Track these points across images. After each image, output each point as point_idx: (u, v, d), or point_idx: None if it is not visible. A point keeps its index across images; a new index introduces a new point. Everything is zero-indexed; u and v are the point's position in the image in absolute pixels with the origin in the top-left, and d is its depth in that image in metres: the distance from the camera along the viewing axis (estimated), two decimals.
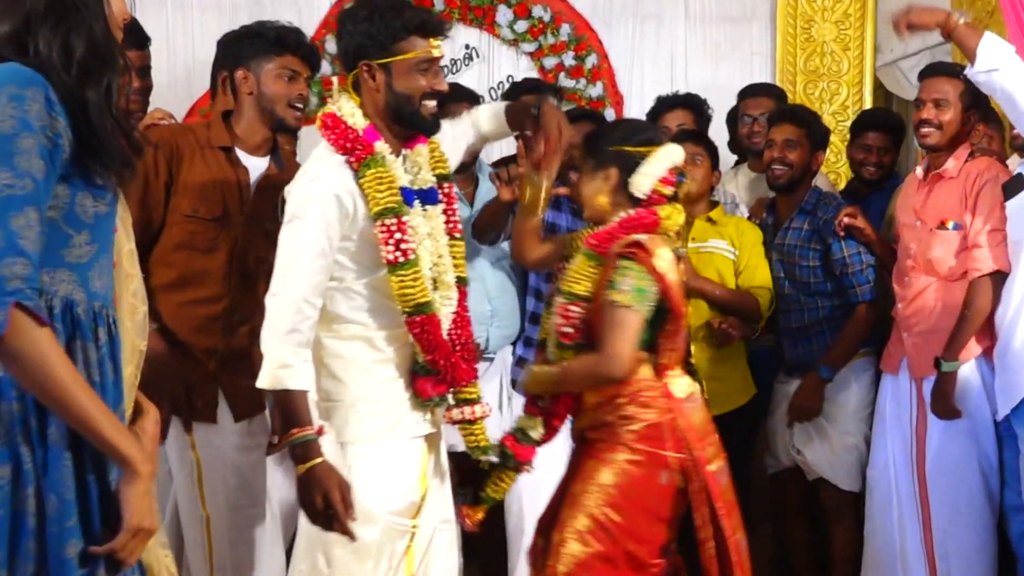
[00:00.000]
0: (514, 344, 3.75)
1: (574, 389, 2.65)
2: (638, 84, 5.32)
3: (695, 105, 4.15)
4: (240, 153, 2.99)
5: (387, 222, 2.42)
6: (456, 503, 2.74)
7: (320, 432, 2.38)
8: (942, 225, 3.30)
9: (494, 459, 2.66)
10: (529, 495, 3.33)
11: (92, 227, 1.70)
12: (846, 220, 3.52)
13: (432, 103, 2.51)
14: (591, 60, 5.26)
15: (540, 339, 2.85)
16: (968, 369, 3.27)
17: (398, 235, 2.42)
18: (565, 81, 5.23)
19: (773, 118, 3.78)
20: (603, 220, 2.67)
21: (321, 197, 2.41)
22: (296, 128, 3.09)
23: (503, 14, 5.22)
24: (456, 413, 2.61)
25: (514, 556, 3.61)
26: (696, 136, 3.75)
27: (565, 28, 5.24)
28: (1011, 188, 3.16)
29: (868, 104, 5.19)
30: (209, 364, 2.90)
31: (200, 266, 2.89)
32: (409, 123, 2.52)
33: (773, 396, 3.78)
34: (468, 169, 3.67)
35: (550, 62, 5.25)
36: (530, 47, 5.25)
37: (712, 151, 3.73)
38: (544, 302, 3.34)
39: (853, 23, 5.25)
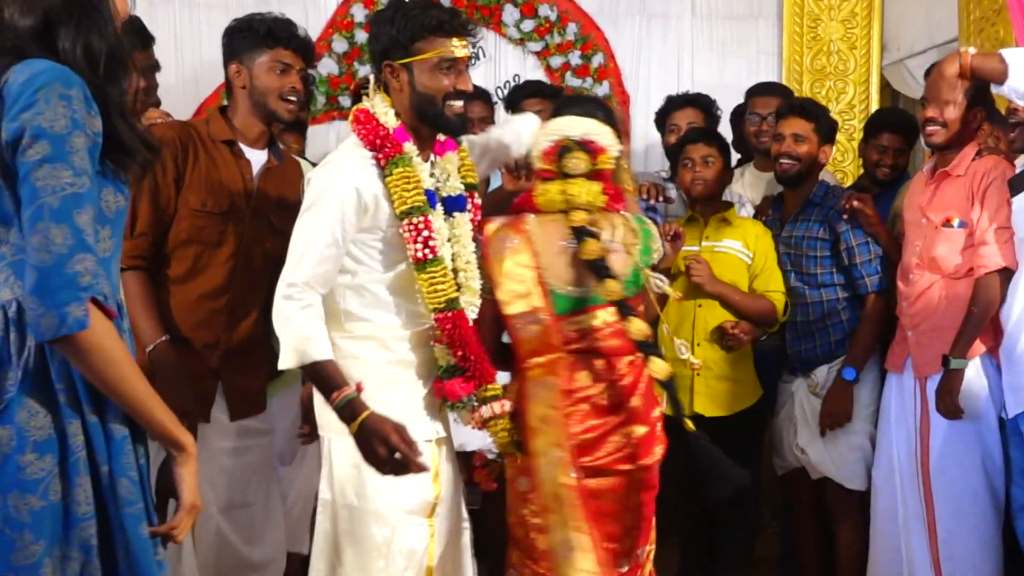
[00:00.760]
0: None
1: None
2: (644, 83, 5.33)
3: (704, 104, 4.15)
4: (241, 147, 3.00)
5: (414, 220, 2.45)
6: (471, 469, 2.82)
7: (359, 389, 2.40)
8: (947, 223, 3.30)
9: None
10: None
11: (113, 222, 1.75)
12: (855, 203, 3.51)
13: (458, 103, 2.53)
14: (597, 59, 5.26)
15: None
16: (973, 368, 3.26)
17: (425, 233, 2.45)
18: (571, 80, 5.24)
19: (781, 112, 3.77)
20: None
21: (342, 187, 2.43)
22: (288, 121, 3.07)
23: (509, 13, 5.22)
24: (486, 411, 2.60)
25: None
26: (709, 135, 3.74)
27: (571, 27, 5.24)
28: (1016, 185, 3.16)
29: (875, 103, 5.19)
30: (210, 359, 2.89)
31: (208, 260, 2.89)
32: (433, 123, 2.54)
33: (778, 396, 3.78)
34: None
35: (556, 61, 5.26)
36: (536, 46, 5.26)
37: (725, 150, 3.73)
38: None
39: (860, 22, 5.25)
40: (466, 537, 2.69)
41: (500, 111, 4.42)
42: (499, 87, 5.17)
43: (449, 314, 2.49)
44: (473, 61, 5.23)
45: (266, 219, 2.96)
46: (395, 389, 2.53)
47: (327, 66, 5.19)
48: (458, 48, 2.51)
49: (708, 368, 3.55)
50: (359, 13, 5.18)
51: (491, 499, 3.30)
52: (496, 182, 3.57)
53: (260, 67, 2.95)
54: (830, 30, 5.26)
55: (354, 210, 2.43)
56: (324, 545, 2.52)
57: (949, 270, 3.29)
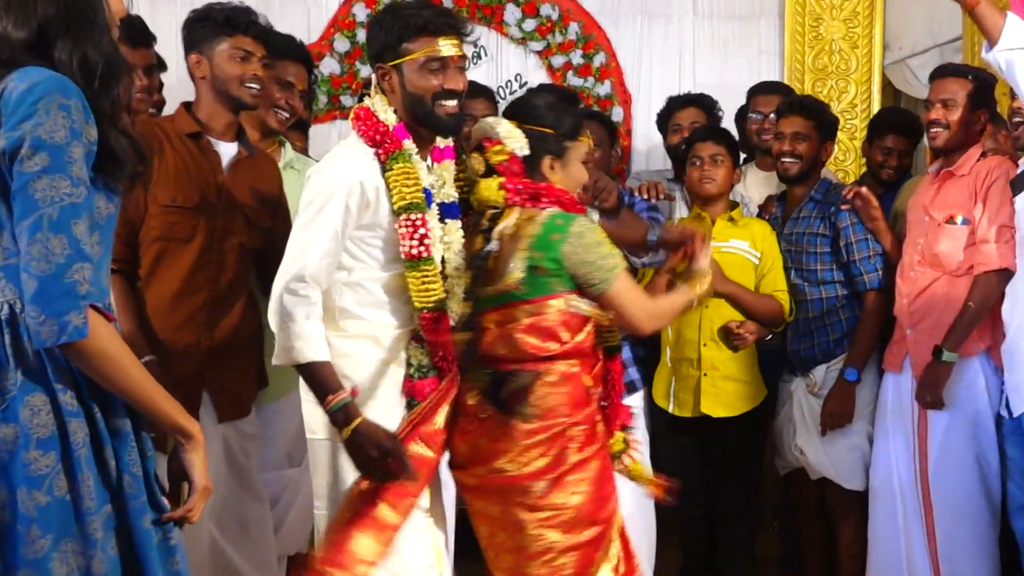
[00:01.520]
0: None
1: None
2: (646, 82, 5.32)
3: (706, 104, 4.14)
4: (209, 139, 2.94)
5: (412, 217, 2.45)
6: None
7: (354, 393, 2.40)
8: (950, 220, 3.31)
9: None
10: None
11: (103, 228, 1.78)
12: (861, 194, 3.49)
13: (450, 103, 2.51)
14: (599, 58, 5.26)
15: None
16: (971, 368, 3.26)
17: (421, 231, 2.45)
18: (573, 79, 5.24)
19: (782, 110, 3.78)
20: None
21: (346, 181, 2.44)
22: (253, 105, 3.01)
23: (511, 12, 5.22)
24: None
25: None
26: (717, 133, 3.73)
27: (573, 26, 5.24)
28: (1018, 185, 3.16)
29: (877, 102, 5.19)
30: (193, 361, 2.84)
31: (180, 256, 2.83)
32: (425, 123, 2.53)
33: (778, 396, 3.77)
34: None
35: (558, 60, 5.26)
36: (538, 45, 5.26)
37: (734, 149, 3.71)
38: None
39: (862, 21, 5.24)
40: (441, 536, 2.64)
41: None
42: (501, 86, 5.17)
43: (435, 315, 2.48)
44: (474, 60, 5.24)
45: (239, 212, 2.92)
46: (391, 388, 2.52)
47: (329, 66, 5.19)
48: (446, 47, 2.49)
49: (715, 368, 3.55)
50: (361, 12, 5.17)
51: None
52: None
53: (220, 56, 2.91)
54: (832, 29, 5.25)
55: (357, 204, 2.44)
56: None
57: (951, 267, 3.30)
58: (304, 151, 3.65)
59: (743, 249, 3.61)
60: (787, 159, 3.64)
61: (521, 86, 5.23)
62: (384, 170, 2.47)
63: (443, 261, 2.54)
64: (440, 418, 2.52)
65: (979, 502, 3.28)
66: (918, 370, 3.35)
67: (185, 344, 2.83)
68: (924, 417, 3.33)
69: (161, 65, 3.66)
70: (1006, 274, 3.18)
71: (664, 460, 3.62)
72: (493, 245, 2.56)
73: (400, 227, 2.46)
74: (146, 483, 1.80)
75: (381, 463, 2.35)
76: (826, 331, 3.61)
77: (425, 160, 2.57)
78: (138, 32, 3.27)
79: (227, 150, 2.97)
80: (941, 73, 3.47)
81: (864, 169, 4.42)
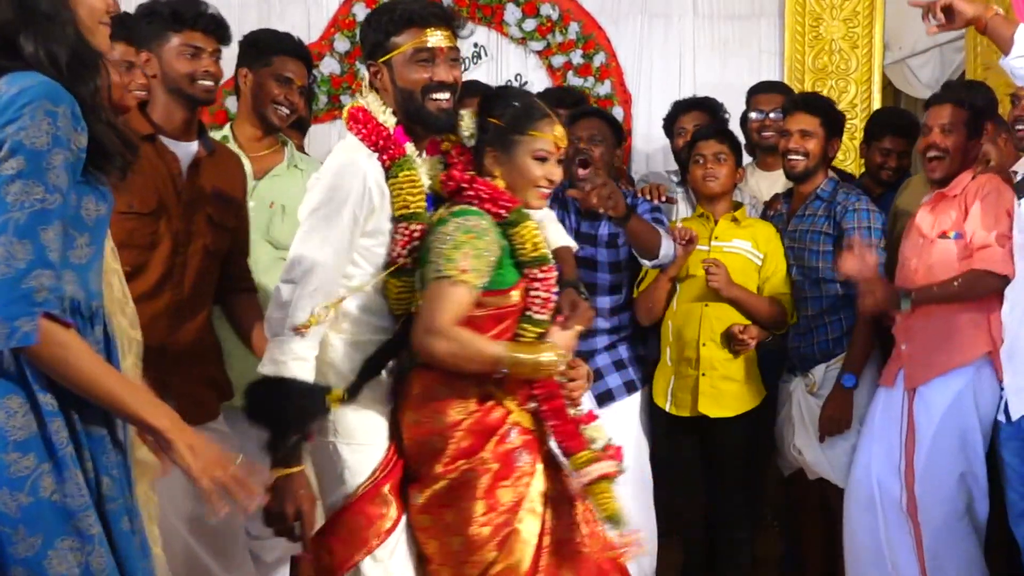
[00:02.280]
0: None
1: None
2: (646, 82, 5.33)
3: (711, 107, 4.14)
4: (167, 141, 2.83)
5: (411, 227, 2.41)
6: None
7: (310, 439, 2.35)
8: (943, 235, 3.32)
9: None
10: None
11: (92, 229, 1.78)
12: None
13: (441, 95, 2.44)
14: (599, 58, 5.26)
15: None
16: (961, 381, 3.25)
17: (416, 242, 2.41)
18: (573, 79, 5.24)
19: (788, 107, 3.76)
20: None
21: (357, 192, 2.37)
22: (207, 101, 2.92)
23: (511, 12, 5.23)
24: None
25: None
26: (720, 133, 3.72)
27: (573, 26, 5.25)
28: (1022, 189, 3.17)
29: (877, 102, 5.19)
30: (157, 366, 2.63)
31: (144, 262, 2.71)
32: (417, 120, 2.46)
33: (778, 397, 3.75)
34: None
35: (558, 60, 5.26)
36: (538, 45, 5.26)
37: (736, 148, 3.71)
38: None
39: (862, 21, 5.25)
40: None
41: None
42: (501, 86, 5.17)
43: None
44: (475, 60, 5.25)
45: (203, 214, 2.81)
46: (372, 388, 2.46)
47: (329, 65, 5.20)
48: (433, 38, 2.42)
49: (713, 368, 3.54)
50: (361, 12, 5.17)
51: None
52: None
53: (169, 53, 2.82)
54: (832, 29, 5.26)
55: (365, 213, 2.39)
56: None
57: (947, 279, 3.30)
58: (300, 149, 3.64)
59: (746, 249, 3.61)
60: (793, 156, 3.63)
61: (521, 86, 5.23)
62: (388, 176, 2.41)
63: None
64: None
65: (963, 520, 3.26)
66: (910, 382, 3.33)
67: (147, 350, 2.75)
68: (912, 433, 3.31)
69: None
70: (1003, 280, 3.18)
71: (664, 460, 3.64)
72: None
73: (397, 233, 2.42)
74: (124, 488, 1.80)
75: (289, 519, 2.31)
76: (826, 330, 3.60)
77: (421, 155, 2.52)
78: (128, 29, 3.22)
79: (185, 150, 2.86)
80: (938, 99, 3.49)
81: (864, 169, 4.42)
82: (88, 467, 1.75)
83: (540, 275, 2.45)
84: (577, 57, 5.26)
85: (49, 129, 1.65)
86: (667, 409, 3.61)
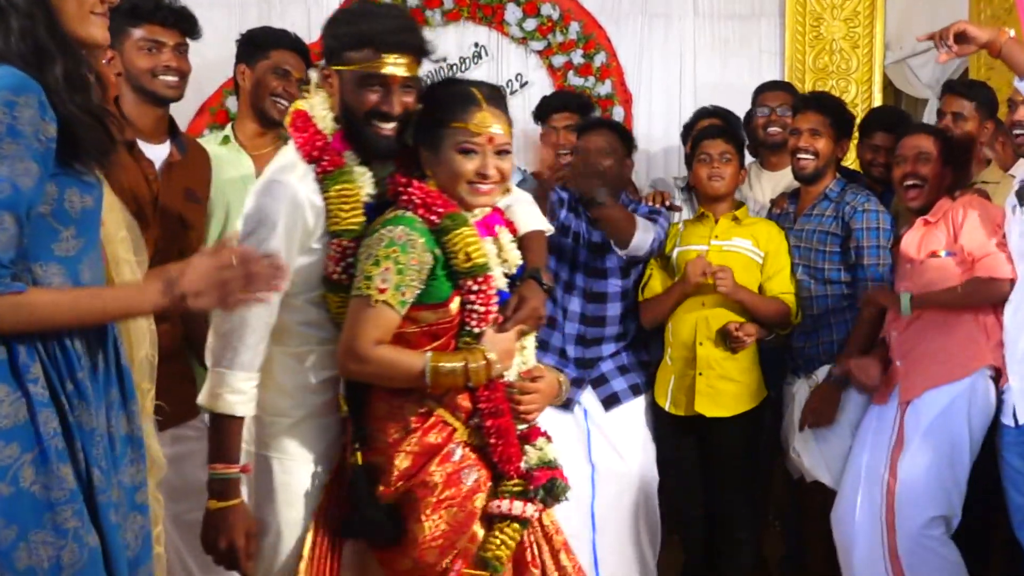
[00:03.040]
0: None
1: None
2: (647, 82, 5.33)
3: (724, 116, 4.15)
4: (140, 146, 2.78)
5: (344, 243, 2.26)
6: None
7: (245, 470, 2.26)
8: (933, 255, 3.32)
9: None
10: None
11: (79, 222, 1.77)
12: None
13: (386, 125, 2.27)
14: (600, 58, 5.26)
15: None
16: (955, 392, 3.23)
17: (350, 258, 2.26)
18: (574, 79, 5.24)
19: (797, 105, 3.74)
20: None
21: (287, 211, 2.22)
22: (173, 97, 2.85)
23: (512, 12, 5.22)
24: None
25: None
26: (725, 133, 3.71)
27: (574, 26, 5.24)
28: (1022, 195, 3.18)
29: (877, 102, 5.19)
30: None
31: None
32: (356, 139, 2.30)
33: (783, 399, 3.73)
34: None
35: (559, 60, 5.26)
36: (539, 45, 5.26)
37: (740, 149, 3.70)
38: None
39: (862, 20, 5.25)
40: None
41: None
42: (501, 86, 5.12)
43: None
44: (475, 60, 5.24)
45: (176, 218, 2.76)
46: (329, 407, 2.37)
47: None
48: (390, 65, 2.24)
49: (710, 368, 3.53)
50: None
51: None
52: None
53: (130, 49, 2.77)
54: (832, 29, 5.25)
55: (299, 233, 2.25)
56: None
57: None
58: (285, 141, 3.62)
59: (745, 248, 3.59)
60: (803, 155, 3.60)
61: (522, 86, 5.24)
62: (323, 188, 2.26)
63: None
64: None
65: (940, 529, 3.21)
66: (905, 395, 3.31)
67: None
68: (900, 441, 3.29)
69: None
70: (1008, 285, 3.19)
71: (664, 460, 3.64)
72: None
73: (331, 248, 2.27)
74: (112, 483, 1.79)
75: (227, 552, 2.24)
76: (831, 330, 3.58)
77: (366, 165, 2.33)
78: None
79: (159, 153, 2.82)
80: (912, 130, 3.55)
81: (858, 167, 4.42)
82: (80, 458, 1.74)
83: (475, 287, 2.24)
84: (578, 57, 5.25)
85: (3, 119, 1.64)
86: (667, 408, 3.60)
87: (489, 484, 2.27)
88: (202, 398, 2.25)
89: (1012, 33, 3.03)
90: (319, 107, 2.32)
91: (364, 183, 2.30)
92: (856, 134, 4.01)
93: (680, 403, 3.57)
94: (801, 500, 3.89)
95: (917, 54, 5.15)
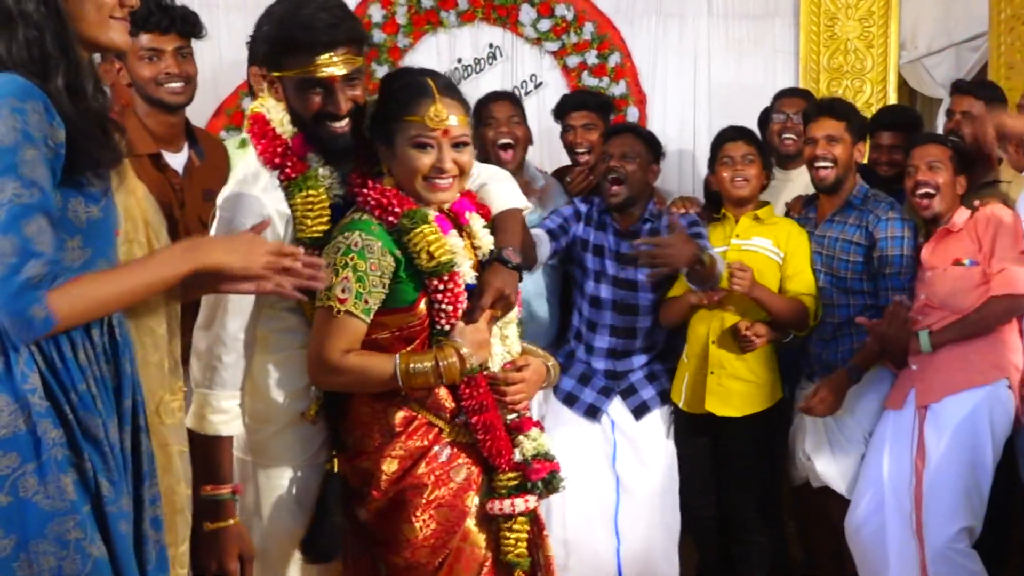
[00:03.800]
0: None
1: None
2: (661, 82, 5.32)
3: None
4: (165, 157, 2.78)
5: (313, 249, 2.20)
6: None
7: (237, 491, 2.23)
8: (957, 262, 3.30)
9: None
10: None
11: (84, 232, 1.76)
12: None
13: (338, 124, 2.20)
14: (614, 58, 5.26)
15: None
16: (976, 399, 3.22)
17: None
18: (588, 80, 5.24)
19: (810, 113, 3.66)
20: None
21: (253, 221, 2.13)
22: (179, 103, 2.82)
23: (526, 13, 5.23)
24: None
25: None
26: (747, 134, 3.66)
27: (588, 26, 5.24)
28: None
29: (892, 101, 5.16)
30: None
31: None
32: (313, 141, 2.23)
33: (794, 404, 3.67)
34: None
35: (573, 61, 5.26)
36: (553, 46, 5.26)
37: (763, 151, 3.66)
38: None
39: (877, 20, 5.23)
40: None
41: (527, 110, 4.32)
42: (516, 87, 5.17)
43: None
44: (490, 61, 5.25)
45: (197, 223, 2.77)
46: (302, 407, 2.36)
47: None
48: (325, 67, 2.15)
49: (722, 367, 3.51)
50: (377, 13, 5.19)
51: None
52: None
53: (131, 60, 2.76)
54: (847, 29, 5.24)
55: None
56: None
57: (963, 306, 3.28)
58: None
59: (765, 247, 3.55)
60: (822, 164, 3.51)
61: (536, 86, 5.24)
62: (288, 196, 2.21)
63: None
64: None
65: (965, 540, 3.21)
66: (922, 400, 3.29)
67: None
68: (922, 450, 3.27)
69: None
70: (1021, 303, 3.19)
71: (681, 460, 3.63)
72: None
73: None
74: (121, 493, 1.77)
75: (210, 574, 2.23)
76: (851, 339, 3.52)
77: (330, 165, 2.27)
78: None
79: (178, 161, 2.81)
80: (921, 140, 3.53)
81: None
82: (86, 468, 1.72)
83: (442, 286, 2.19)
84: (592, 57, 5.25)
85: (16, 125, 1.64)
86: (680, 406, 3.60)
87: (482, 479, 2.26)
88: (189, 420, 2.20)
89: None
90: (275, 110, 2.26)
91: (331, 184, 2.25)
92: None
93: (693, 401, 3.56)
94: (803, 505, 3.85)
95: (932, 53, 5.15)
